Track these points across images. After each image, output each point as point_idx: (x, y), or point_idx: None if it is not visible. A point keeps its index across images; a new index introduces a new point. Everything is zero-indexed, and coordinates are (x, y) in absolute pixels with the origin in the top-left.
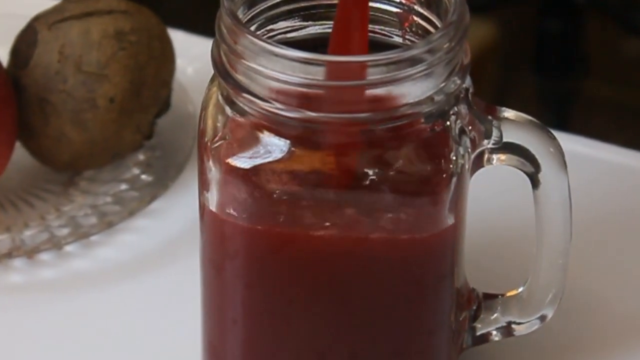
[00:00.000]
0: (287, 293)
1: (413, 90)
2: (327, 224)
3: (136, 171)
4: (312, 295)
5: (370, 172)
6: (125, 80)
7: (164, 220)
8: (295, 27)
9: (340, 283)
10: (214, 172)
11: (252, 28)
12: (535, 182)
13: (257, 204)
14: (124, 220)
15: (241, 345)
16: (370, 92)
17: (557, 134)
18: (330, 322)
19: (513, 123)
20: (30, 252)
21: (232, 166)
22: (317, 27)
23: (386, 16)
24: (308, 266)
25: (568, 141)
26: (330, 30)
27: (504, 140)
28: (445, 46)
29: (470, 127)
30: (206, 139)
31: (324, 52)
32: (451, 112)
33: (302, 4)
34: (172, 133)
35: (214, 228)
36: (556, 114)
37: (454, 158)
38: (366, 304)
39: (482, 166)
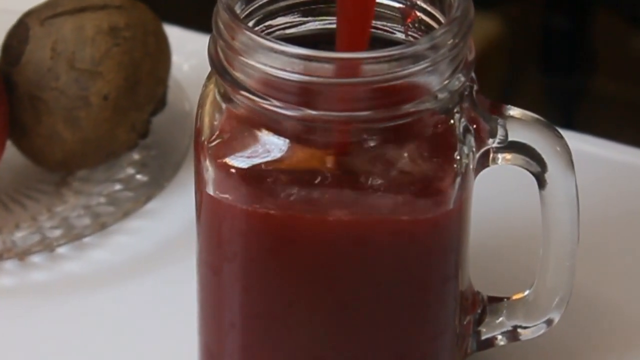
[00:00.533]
0: (286, 295)
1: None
2: (327, 224)
3: (131, 171)
4: (312, 297)
5: (372, 171)
6: (119, 77)
7: (160, 221)
8: (294, 23)
9: (341, 285)
10: (210, 172)
11: (250, 24)
12: (541, 182)
13: (255, 204)
14: (118, 222)
15: (239, 349)
16: (372, 89)
17: (564, 133)
18: (330, 326)
19: (519, 121)
20: (22, 254)
21: (229, 166)
22: (317, 22)
23: (389, 12)
24: (308, 267)
25: (575, 140)
26: (330, 26)
27: (510, 139)
28: (449, 42)
29: (474, 126)
30: (203, 138)
31: (324, 49)
32: (455, 110)
33: None
34: (168, 132)
35: (211, 229)
36: (563, 112)
37: (458, 157)
38: (368, 307)
39: (487, 166)
